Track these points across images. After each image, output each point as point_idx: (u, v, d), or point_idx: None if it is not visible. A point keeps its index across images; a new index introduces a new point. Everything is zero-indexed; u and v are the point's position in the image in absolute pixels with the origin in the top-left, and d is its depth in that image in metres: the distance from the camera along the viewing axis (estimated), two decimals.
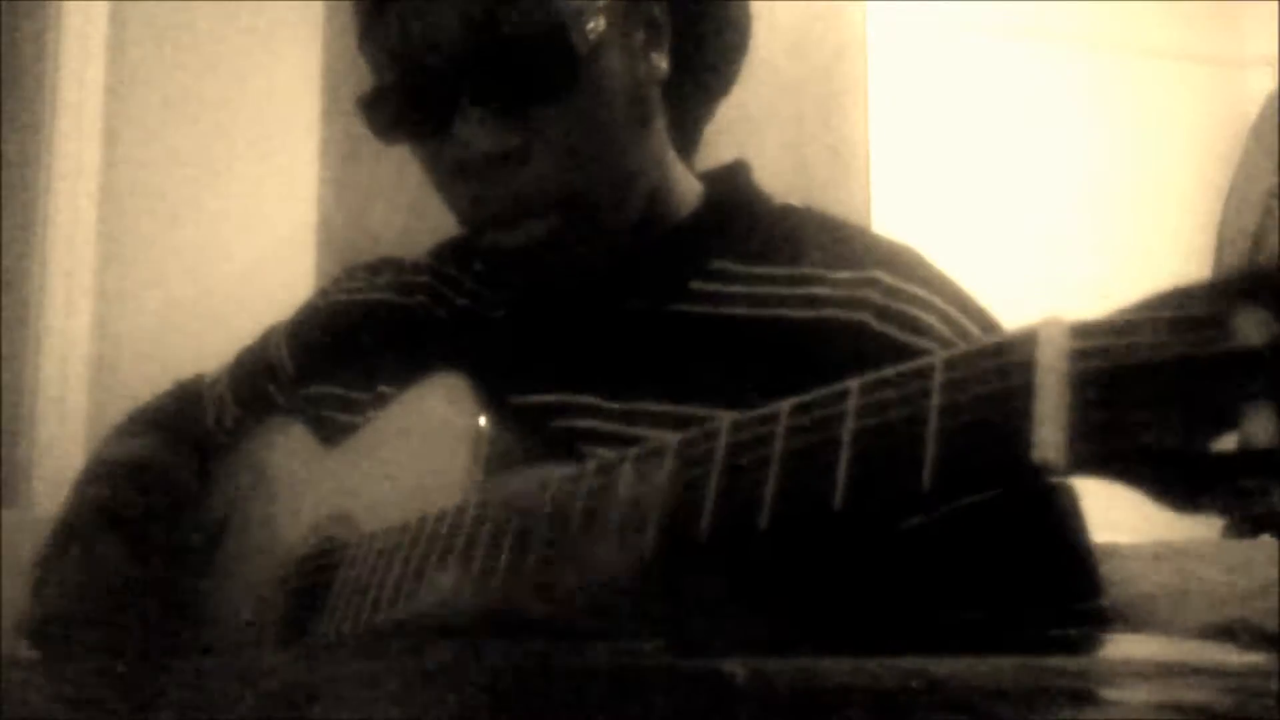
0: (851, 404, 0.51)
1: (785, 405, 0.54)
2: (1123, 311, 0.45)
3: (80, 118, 2.27)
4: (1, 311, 2.20)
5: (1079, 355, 0.44)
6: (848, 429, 0.50)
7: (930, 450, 0.47)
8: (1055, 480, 0.69)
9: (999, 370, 0.47)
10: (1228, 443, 0.41)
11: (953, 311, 0.74)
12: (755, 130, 1.84)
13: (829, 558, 0.62)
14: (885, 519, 0.58)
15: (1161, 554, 2.18)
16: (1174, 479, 0.42)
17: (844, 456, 0.50)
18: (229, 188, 2.37)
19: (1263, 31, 3.06)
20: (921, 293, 0.74)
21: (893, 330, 0.72)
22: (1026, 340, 0.46)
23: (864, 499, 0.49)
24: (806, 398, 0.53)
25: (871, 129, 2.09)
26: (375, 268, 0.96)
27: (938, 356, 0.49)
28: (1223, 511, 0.43)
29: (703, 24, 0.82)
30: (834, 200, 1.94)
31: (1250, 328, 0.41)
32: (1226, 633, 1.88)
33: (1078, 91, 3.11)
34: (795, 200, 0.86)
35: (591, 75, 0.74)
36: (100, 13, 2.31)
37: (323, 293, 0.98)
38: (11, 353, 2.20)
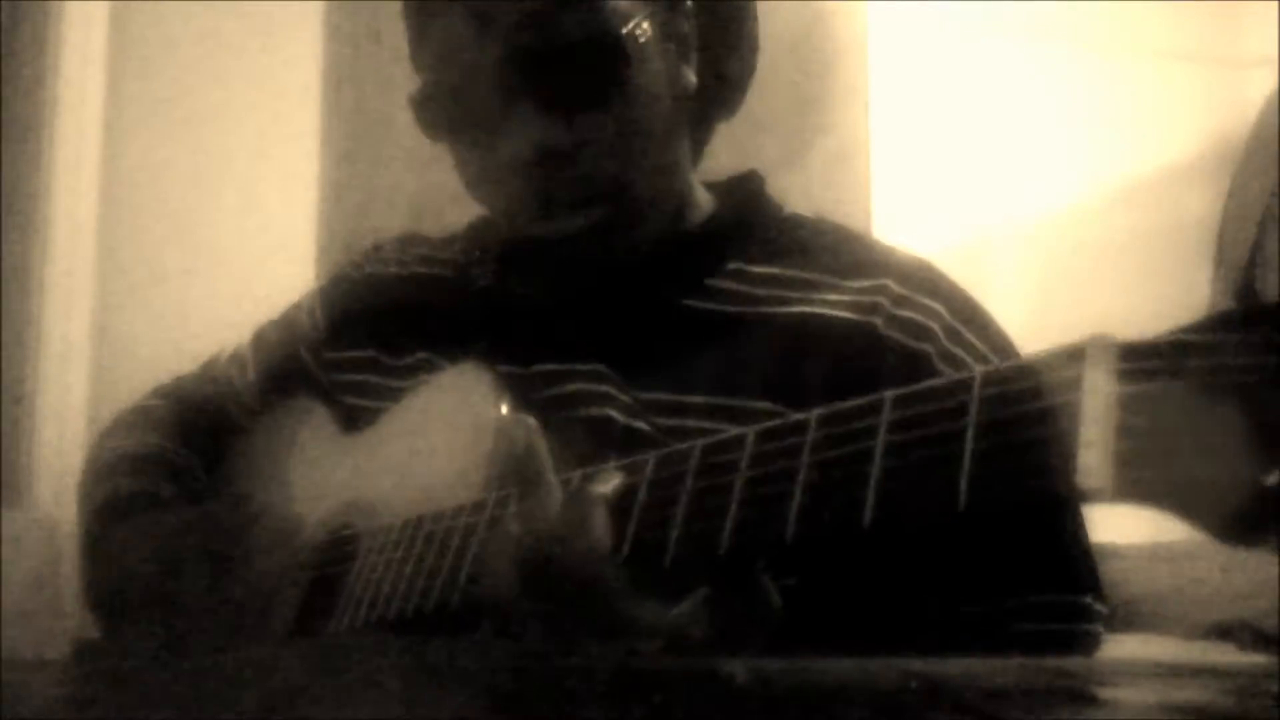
0: (885, 417, 0.49)
1: (814, 415, 0.53)
2: (1175, 332, 0.43)
3: (80, 118, 2.27)
4: (2, 311, 2.20)
5: (1128, 376, 0.42)
6: (880, 443, 0.49)
7: (968, 467, 0.45)
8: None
9: (1044, 387, 0.45)
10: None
11: (956, 323, 0.75)
12: (756, 130, 1.84)
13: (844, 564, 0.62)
14: (917, 537, 0.57)
15: (1161, 554, 2.17)
16: (1226, 512, 0.40)
17: (875, 473, 0.48)
18: (229, 188, 2.37)
19: (1263, 31, 3.06)
20: (931, 303, 0.76)
21: (899, 335, 0.74)
22: (1073, 357, 0.44)
23: (895, 517, 0.48)
24: (837, 408, 0.52)
25: (872, 129, 2.09)
26: (403, 242, 0.97)
27: (977, 370, 0.48)
28: (1278, 549, 0.40)
29: (721, 45, 0.85)
30: (834, 200, 1.94)
31: None
32: (1226, 633, 1.88)
33: (1078, 91, 3.11)
34: (803, 208, 0.88)
35: (637, 80, 0.77)
36: (100, 13, 2.31)
37: (353, 264, 0.99)
38: (11, 353, 2.20)
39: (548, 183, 0.77)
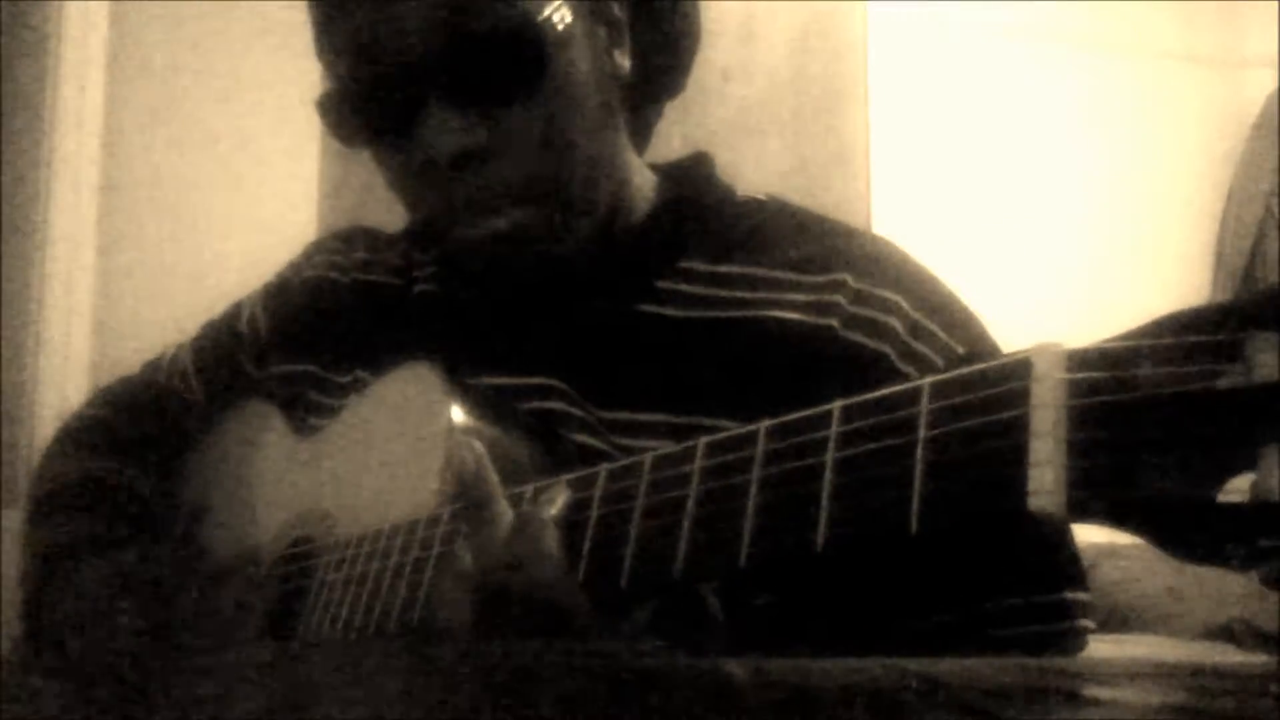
0: (834, 430, 0.48)
1: (762, 427, 0.52)
2: (1124, 337, 0.41)
3: (80, 118, 2.27)
4: (2, 311, 2.20)
5: (1076, 388, 0.41)
6: (830, 458, 0.48)
7: (918, 489, 0.44)
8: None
9: (991, 401, 0.43)
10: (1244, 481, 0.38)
11: (918, 315, 0.72)
12: (756, 130, 1.84)
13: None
14: (869, 560, 0.56)
15: (1162, 554, 2.17)
16: (1184, 530, 0.39)
17: (826, 491, 0.47)
18: (229, 187, 2.37)
19: (1263, 32, 3.06)
20: (888, 295, 0.73)
21: (857, 336, 0.71)
22: (1019, 369, 0.43)
23: (847, 539, 0.47)
24: (786, 420, 0.51)
25: (871, 129, 2.09)
26: (348, 240, 0.94)
27: (926, 381, 0.46)
28: (1239, 567, 0.39)
29: (657, 26, 0.81)
30: (834, 200, 1.94)
31: (1267, 358, 0.37)
32: (1226, 633, 1.88)
33: (1078, 91, 3.11)
34: (761, 194, 0.84)
35: (558, 70, 0.73)
36: (100, 13, 2.31)
37: (295, 267, 0.95)
38: (11, 353, 2.19)
39: (468, 186, 0.73)
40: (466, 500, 0.60)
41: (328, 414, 0.83)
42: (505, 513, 0.60)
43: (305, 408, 0.86)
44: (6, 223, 2.24)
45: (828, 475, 0.48)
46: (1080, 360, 0.42)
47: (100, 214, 2.29)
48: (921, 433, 0.45)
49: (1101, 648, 0.71)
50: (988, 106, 3.05)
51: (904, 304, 0.73)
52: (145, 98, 2.36)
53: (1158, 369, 0.40)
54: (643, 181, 0.83)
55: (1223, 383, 0.38)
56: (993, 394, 0.44)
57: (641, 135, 0.86)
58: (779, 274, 0.75)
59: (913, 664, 0.43)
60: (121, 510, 0.91)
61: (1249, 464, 0.37)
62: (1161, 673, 0.46)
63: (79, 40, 2.28)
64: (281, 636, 0.77)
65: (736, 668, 0.42)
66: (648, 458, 0.56)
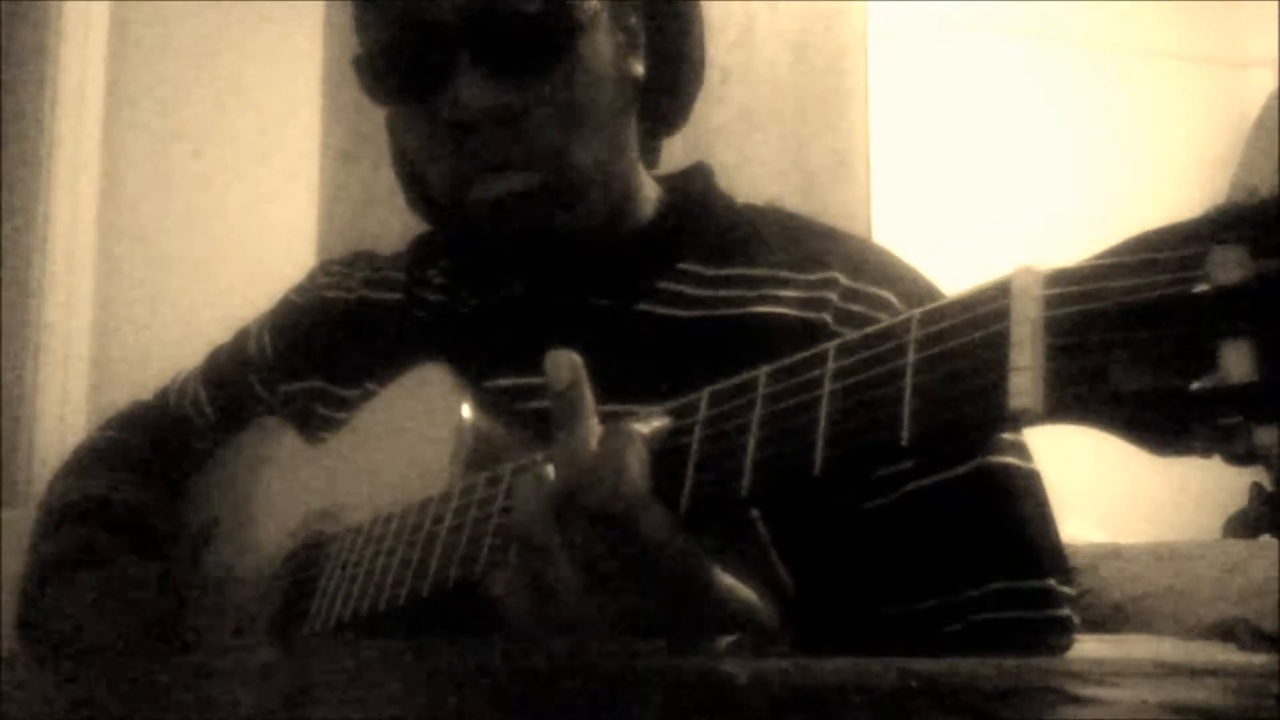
0: (829, 366, 0.51)
1: (763, 371, 0.55)
2: (1097, 256, 0.45)
3: (80, 118, 2.27)
4: (1, 311, 2.20)
5: (1053, 301, 0.44)
6: (825, 391, 0.51)
7: (907, 404, 0.47)
8: (1018, 465, 0.71)
9: (974, 321, 0.46)
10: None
11: (905, 309, 0.74)
12: (756, 130, 1.84)
13: (802, 530, 0.63)
14: (865, 478, 0.61)
15: (1161, 554, 2.17)
16: (1151, 421, 0.42)
17: (822, 418, 0.50)
18: (229, 188, 2.38)
19: (1263, 32, 3.06)
20: (879, 292, 0.76)
21: (849, 331, 0.73)
22: (1000, 289, 0.46)
23: (843, 459, 0.49)
24: (785, 362, 0.54)
25: (871, 129, 2.09)
26: (350, 262, 0.97)
27: (914, 312, 0.49)
28: (1203, 452, 0.42)
29: (667, 57, 0.85)
30: (834, 200, 1.94)
31: (1225, 265, 0.41)
32: (1226, 633, 1.88)
33: (1078, 91, 3.11)
34: (760, 201, 0.87)
35: (583, 50, 0.77)
36: (100, 13, 2.31)
37: (300, 289, 0.98)
38: (11, 353, 2.20)
39: (490, 145, 0.76)
40: (558, 413, 0.60)
41: (338, 426, 0.85)
42: (595, 425, 0.59)
43: (316, 422, 0.88)
44: (6, 223, 2.24)
45: (824, 406, 0.51)
46: (1057, 278, 0.45)
47: (100, 214, 2.29)
48: (910, 356, 0.48)
49: (1101, 647, 0.71)
50: (988, 107, 3.05)
51: (893, 299, 0.75)
52: (145, 98, 2.36)
53: (1129, 281, 0.43)
54: (647, 190, 0.86)
55: (1187, 290, 0.41)
56: (976, 315, 0.47)
57: (646, 162, 0.88)
58: (774, 273, 0.78)
59: (913, 664, 0.43)
60: (126, 526, 0.92)
61: (1212, 364, 0.40)
62: (1161, 673, 0.46)
63: (79, 40, 2.28)
64: (290, 634, 0.78)
65: (736, 668, 0.42)
66: (656, 409, 0.58)
